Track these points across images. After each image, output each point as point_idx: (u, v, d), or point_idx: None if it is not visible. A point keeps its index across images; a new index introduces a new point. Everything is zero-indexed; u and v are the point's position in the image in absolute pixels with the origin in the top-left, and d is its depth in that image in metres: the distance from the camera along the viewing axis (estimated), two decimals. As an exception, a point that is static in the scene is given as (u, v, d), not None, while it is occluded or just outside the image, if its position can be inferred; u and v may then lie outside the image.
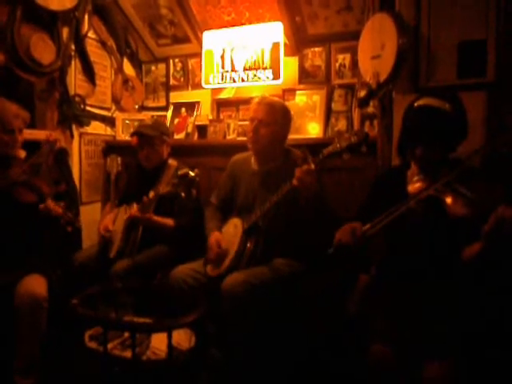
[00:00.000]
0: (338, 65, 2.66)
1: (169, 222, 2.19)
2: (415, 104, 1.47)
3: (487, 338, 1.39)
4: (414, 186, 1.47)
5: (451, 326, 1.30)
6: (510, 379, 1.42)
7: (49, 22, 2.51)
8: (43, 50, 2.45)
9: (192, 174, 1.88)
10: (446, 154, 1.44)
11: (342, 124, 2.56)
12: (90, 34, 2.83)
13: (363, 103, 2.20)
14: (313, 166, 1.63)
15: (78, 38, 2.71)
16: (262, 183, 1.96)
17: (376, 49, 1.93)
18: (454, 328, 1.30)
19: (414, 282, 1.42)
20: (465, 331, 1.31)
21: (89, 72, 2.82)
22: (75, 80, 2.74)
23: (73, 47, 2.69)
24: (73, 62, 2.71)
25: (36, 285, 1.80)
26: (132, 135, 2.42)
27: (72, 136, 2.73)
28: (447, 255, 1.39)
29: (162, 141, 2.34)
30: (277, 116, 1.93)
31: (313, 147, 1.84)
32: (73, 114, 2.68)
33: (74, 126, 2.75)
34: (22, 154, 2.05)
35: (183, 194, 1.88)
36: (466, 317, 1.34)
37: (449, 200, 1.29)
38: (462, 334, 1.29)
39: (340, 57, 2.66)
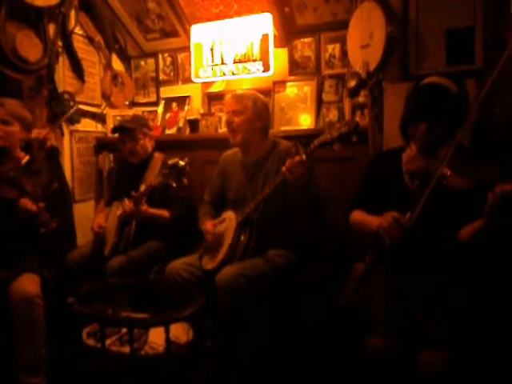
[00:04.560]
0: (327, 55, 2.66)
1: (164, 213, 2.20)
2: (422, 82, 1.49)
3: (482, 330, 1.41)
4: (412, 165, 1.48)
5: (446, 316, 1.31)
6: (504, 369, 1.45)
7: (34, 18, 2.47)
8: (29, 47, 2.41)
9: (182, 163, 1.87)
10: (446, 135, 1.43)
11: (333, 114, 2.56)
12: (77, 30, 2.80)
13: (353, 93, 2.20)
14: (304, 157, 1.63)
15: (65, 35, 2.68)
16: (250, 175, 1.99)
17: (365, 38, 1.93)
18: (448, 319, 1.31)
19: (409, 269, 1.43)
20: (459, 322, 1.32)
21: (77, 69, 2.80)
22: (63, 77, 2.71)
23: (60, 44, 2.65)
24: (60, 59, 2.67)
25: (28, 283, 1.80)
26: (113, 131, 2.42)
27: (62, 134, 2.71)
28: (443, 235, 1.40)
29: (144, 133, 2.34)
30: (246, 103, 1.96)
31: (304, 138, 1.84)
32: (62, 112, 2.66)
33: (64, 124, 2.72)
34: (24, 157, 2.03)
35: (174, 184, 1.88)
36: (460, 307, 1.35)
37: (448, 173, 1.31)
38: (456, 325, 1.30)
39: (330, 47, 2.65)
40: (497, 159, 1.37)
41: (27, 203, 1.85)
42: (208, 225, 1.96)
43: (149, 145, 2.38)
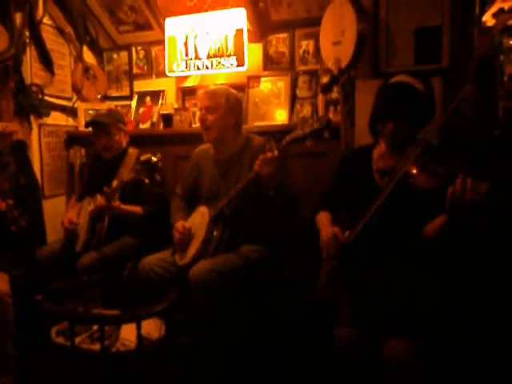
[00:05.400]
0: (301, 51, 2.68)
1: (137, 209, 2.17)
2: (390, 81, 1.53)
3: (450, 320, 1.47)
4: (382, 163, 1.52)
5: (412, 307, 1.35)
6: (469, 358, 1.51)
7: (0, 7, 2.38)
8: (-5, 36, 2.33)
9: (154, 159, 1.87)
10: (414, 132, 1.47)
11: (306, 110, 2.59)
12: (46, 21, 2.71)
13: (326, 89, 2.23)
14: (276, 153, 1.65)
15: (33, 24, 2.59)
16: (223, 172, 1.98)
17: (337, 35, 1.95)
18: (411, 308, 1.34)
19: (375, 264, 1.47)
20: (426, 313, 1.36)
21: (46, 60, 2.71)
22: (31, 68, 2.63)
23: (27, 34, 2.57)
24: (28, 50, 2.59)
25: None
26: (87, 125, 2.37)
27: (30, 127, 2.63)
28: (409, 233, 1.44)
29: (119, 128, 2.31)
30: (219, 100, 1.94)
31: (277, 134, 1.85)
32: (30, 104, 2.58)
33: (32, 117, 2.64)
34: None
35: (147, 180, 1.87)
36: (427, 299, 1.39)
37: (414, 171, 1.35)
38: (422, 316, 1.34)
39: (304, 43, 2.68)
40: (464, 156, 1.42)
41: None
42: (179, 223, 1.94)
43: (123, 140, 2.34)
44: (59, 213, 2.65)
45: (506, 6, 1.94)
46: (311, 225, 1.73)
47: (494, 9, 1.92)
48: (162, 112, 2.83)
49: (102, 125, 2.27)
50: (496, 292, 1.62)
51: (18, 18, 2.49)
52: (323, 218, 1.65)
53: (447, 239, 1.40)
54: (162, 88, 3.00)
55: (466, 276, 1.61)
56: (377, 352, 1.31)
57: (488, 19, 1.95)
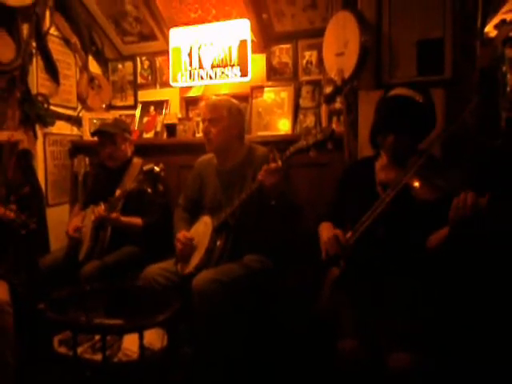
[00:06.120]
0: (305, 62, 2.70)
1: (137, 221, 2.17)
2: (388, 94, 1.53)
3: (448, 329, 1.46)
4: (384, 175, 1.52)
5: (413, 319, 1.34)
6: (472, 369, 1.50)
7: (7, 18, 2.42)
8: (2, 47, 2.36)
9: (157, 169, 1.88)
10: (414, 144, 1.49)
11: (310, 120, 2.60)
12: (52, 31, 2.75)
13: (329, 99, 2.25)
14: (280, 163, 1.65)
15: (40, 35, 2.62)
16: (225, 183, 1.98)
17: (340, 46, 1.97)
18: (416, 321, 1.33)
19: (378, 274, 1.47)
20: (425, 322, 1.35)
21: (51, 70, 2.74)
22: (37, 79, 2.65)
23: (34, 45, 2.60)
24: (34, 60, 2.62)
25: None
26: (93, 134, 2.39)
27: (35, 136, 2.65)
28: (412, 243, 1.44)
29: (124, 138, 2.32)
30: (221, 111, 1.95)
31: (280, 144, 1.87)
32: (36, 114, 2.60)
33: (37, 127, 2.66)
34: None
35: (150, 190, 1.88)
36: (430, 310, 1.38)
37: (416, 184, 1.35)
38: (423, 327, 1.33)
39: (307, 53, 2.70)
40: (466, 167, 1.42)
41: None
42: (180, 235, 1.94)
43: (129, 149, 2.36)
44: (63, 221, 2.66)
45: (508, 18, 1.95)
46: (314, 235, 1.73)
47: (495, 20, 1.93)
48: (165, 122, 2.86)
49: (108, 134, 2.28)
50: (499, 302, 1.61)
51: (25, 29, 2.53)
52: (325, 225, 1.66)
53: (450, 250, 1.40)
54: (165, 98, 3.02)
55: (469, 286, 1.60)
56: (379, 360, 1.31)
57: (490, 30, 1.96)
